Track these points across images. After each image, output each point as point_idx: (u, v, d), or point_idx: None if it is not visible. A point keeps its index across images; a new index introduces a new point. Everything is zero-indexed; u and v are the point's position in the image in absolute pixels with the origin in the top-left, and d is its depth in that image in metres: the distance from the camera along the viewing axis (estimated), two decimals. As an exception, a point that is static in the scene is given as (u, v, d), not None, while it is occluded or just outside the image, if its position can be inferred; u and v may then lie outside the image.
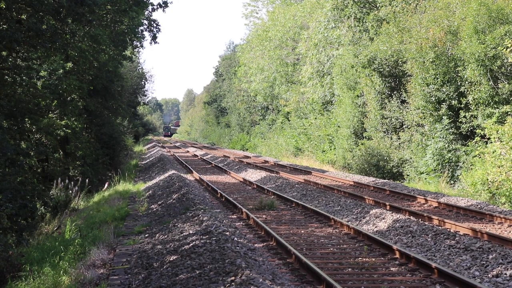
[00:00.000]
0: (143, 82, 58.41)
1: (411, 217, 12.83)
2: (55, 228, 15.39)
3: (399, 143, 26.34)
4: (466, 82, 20.46)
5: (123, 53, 24.51)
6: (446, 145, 21.68)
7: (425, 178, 22.00)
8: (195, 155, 44.72)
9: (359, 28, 31.78)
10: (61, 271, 9.57)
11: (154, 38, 21.72)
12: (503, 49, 18.25)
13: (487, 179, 16.86)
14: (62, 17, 13.73)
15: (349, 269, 9.06)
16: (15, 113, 15.44)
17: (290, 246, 9.88)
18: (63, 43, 14.35)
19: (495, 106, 19.29)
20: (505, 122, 17.61)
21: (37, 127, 20.94)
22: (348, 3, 31.91)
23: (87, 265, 9.72)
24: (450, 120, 21.64)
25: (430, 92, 22.07)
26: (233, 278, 7.26)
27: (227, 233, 10.20)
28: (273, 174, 24.94)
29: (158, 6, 20.12)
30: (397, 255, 9.61)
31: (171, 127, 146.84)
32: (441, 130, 21.96)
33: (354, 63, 29.06)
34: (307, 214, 14.47)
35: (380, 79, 27.30)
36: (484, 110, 19.61)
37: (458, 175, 20.47)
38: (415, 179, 23.17)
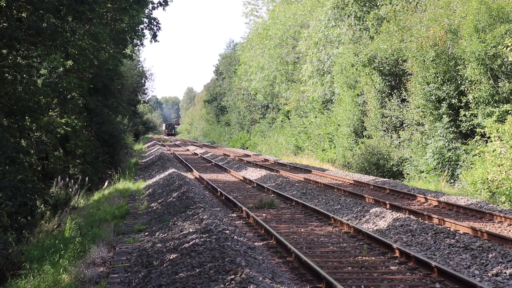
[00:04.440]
0: (143, 81, 58.50)
1: (411, 216, 12.84)
2: (55, 226, 15.38)
3: (399, 142, 26.34)
4: (466, 81, 20.46)
5: (123, 51, 24.54)
6: (446, 144, 21.68)
7: (425, 177, 22.00)
8: (195, 154, 44.72)
9: (360, 27, 31.77)
10: (61, 269, 9.58)
11: (154, 36, 21.74)
12: (503, 48, 18.25)
13: (487, 178, 16.86)
14: (62, 15, 13.74)
15: (349, 268, 9.06)
16: (15, 111, 15.46)
17: (290, 244, 9.88)
18: (63, 41, 14.35)
19: (495, 105, 19.29)
20: (505, 121, 17.62)
21: (37, 125, 20.95)
22: (349, 1, 31.90)
23: (87, 263, 9.71)
24: (450, 119, 21.64)
25: (430, 91, 22.08)
26: (233, 276, 7.27)
27: (227, 231, 10.20)
28: (273, 173, 24.94)
29: (158, 4, 20.14)
30: (397, 254, 9.61)
31: (175, 125, 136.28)
32: (441, 129, 21.96)
33: (354, 61, 29.05)
34: (307, 212, 14.47)
35: (380, 77, 27.30)
36: (484, 109, 19.62)
37: (458, 174, 20.47)
38: (415, 178, 23.17)
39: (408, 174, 24.33)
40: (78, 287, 8.56)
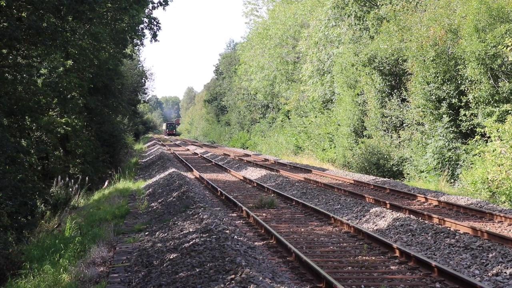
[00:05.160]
0: (143, 80, 58.51)
1: (411, 215, 12.84)
2: (55, 226, 15.38)
3: (399, 142, 26.34)
4: (467, 81, 20.46)
5: (124, 51, 24.56)
6: (446, 144, 21.68)
7: (425, 177, 22.00)
8: (195, 153, 44.72)
9: (360, 27, 31.77)
10: (61, 269, 9.57)
11: (154, 36, 21.77)
12: (503, 48, 18.25)
13: (487, 178, 16.86)
14: (62, 15, 13.74)
15: (349, 268, 9.06)
16: (15, 111, 15.46)
17: (290, 244, 9.88)
18: (64, 41, 14.36)
19: (495, 104, 19.29)
20: (505, 120, 17.61)
21: (37, 125, 20.95)
22: (349, 1, 31.90)
23: (87, 263, 9.71)
24: (450, 119, 21.64)
25: (430, 91, 22.08)
26: (233, 276, 7.26)
27: (227, 231, 10.20)
28: (273, 173, 24.93)
29: (159, 4, 20.18)
30: (397, 254, 9.61)
31: (175, 125, 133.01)
32: (441, 129, 21.96)
33: (355, 61, 29.05)
34: (307, 212, 14.47)
35: (381, 77, 27.30)
36: (485, 108, 19.62)
37: (458, 174, 20.47)
38: (415, 178, 23.17)
39: (408, 174, 24.33)
40: (78, 286, 8.56)
